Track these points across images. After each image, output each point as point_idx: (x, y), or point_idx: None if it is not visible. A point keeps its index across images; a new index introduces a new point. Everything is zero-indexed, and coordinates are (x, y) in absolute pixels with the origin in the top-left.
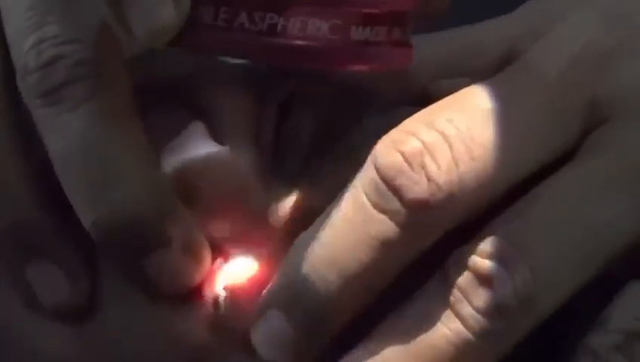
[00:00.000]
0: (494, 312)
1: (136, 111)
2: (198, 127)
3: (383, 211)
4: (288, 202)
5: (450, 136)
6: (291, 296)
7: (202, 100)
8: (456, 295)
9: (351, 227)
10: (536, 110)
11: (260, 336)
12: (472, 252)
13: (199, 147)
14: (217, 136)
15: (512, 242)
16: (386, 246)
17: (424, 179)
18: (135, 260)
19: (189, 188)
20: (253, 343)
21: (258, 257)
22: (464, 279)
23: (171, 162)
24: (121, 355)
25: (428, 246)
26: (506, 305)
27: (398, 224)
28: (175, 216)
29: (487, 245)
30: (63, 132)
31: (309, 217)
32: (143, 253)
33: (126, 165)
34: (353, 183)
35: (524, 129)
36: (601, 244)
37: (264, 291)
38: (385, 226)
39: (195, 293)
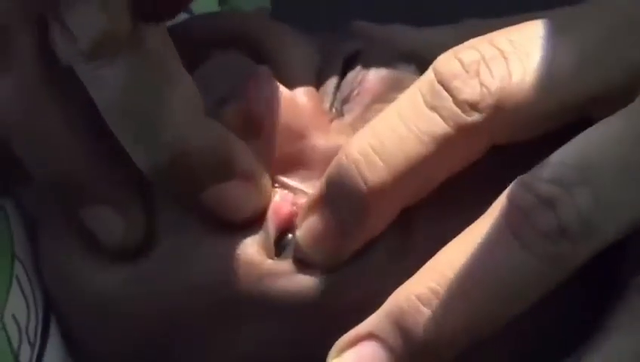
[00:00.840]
0: (557, 235)
1: (177, 56)
2: (263, 69)
3: (434, 108)
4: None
5: (507, 52)
6: (338, 183)
7: (270, 50)
8: (519, 218)
9: (402, 121)
10: (597, 39)
11: (303, 231)
12: (534, 177)
13: (264, 86)
14: (282, 82)
15: (573, 166)
16: (434, 142)
17: (477, 84)
18: (195, 196)
19: (253, 126)
20: (296, 240)
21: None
22: (527, 202)
23: (237, 96)
24: (170, 292)
25: (475, 154)
26: (569, 228)
27: (447, 121)
28: (233, 147)
29: (549, 169)
30: (106, 84)
31: None
32: (202, 187)
33: (173, 105)
34: (411, 86)
35: (580, 54)
36: None
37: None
38: (435, 122)
39: (251, 225)
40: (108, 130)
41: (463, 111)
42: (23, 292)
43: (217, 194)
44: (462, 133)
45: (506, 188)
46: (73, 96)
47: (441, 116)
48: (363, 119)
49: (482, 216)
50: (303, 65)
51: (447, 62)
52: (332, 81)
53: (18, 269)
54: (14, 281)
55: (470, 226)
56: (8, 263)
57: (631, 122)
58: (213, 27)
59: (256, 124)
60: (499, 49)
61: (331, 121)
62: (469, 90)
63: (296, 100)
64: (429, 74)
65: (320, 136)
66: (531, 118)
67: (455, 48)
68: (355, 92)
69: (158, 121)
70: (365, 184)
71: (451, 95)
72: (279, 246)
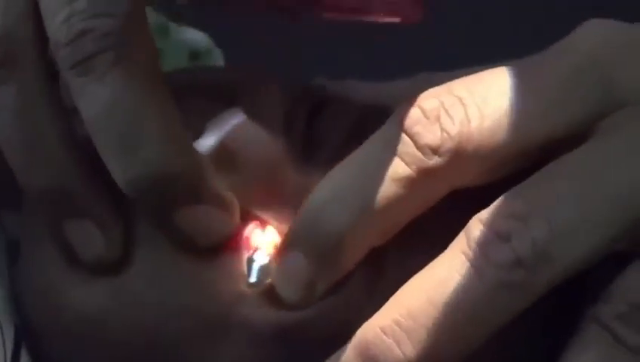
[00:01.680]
0: (514, 266)
1: (163, 80)
2: (236, 110)
3: (397, 154)
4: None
5: (465, 98)
6: (308, 230)
7: (241, 95)
8: (477, 252)
9: (368, 165)
10: (554, 83)
11: (280, 274)
12: (491, 212)
13: (237, 124)
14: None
15: (530, 201)
16: (398, 185)
17: (438, 129)
18: (167, 214)
19: (226, 159)
20: (274, 283)
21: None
22: (484, 236)
23: (212, 133)
24: (146, 308)
25: (437, 195)
26: (525, 258)
27: (410, 165)
28: (206, 173)
29: (506, 205)
30: (93, 99)
31: None
32: (174, 206)
33: (153, 125)
34: (375, 133)
35: (539, 99)
36: (622, 208)
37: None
38: (398, 167)
39: (224, 250)
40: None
41: (425, 156)
42: None
43: (188, 215)
44: (424, 176)
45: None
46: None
47: (404, 161)
48: (331, 161)
49: (444, 252)
50: (273, 110)
51: (408, 109)
52: (300, 125)
53: None
54: None
55: (433, 261)
56: None
57: (586, 158)
58: (190, 79)
59: (231, 158)
60: (457, 96)
61: (301, 160)
62: (430, 136)
63: (269, 138)
64: (392, 121)
65: (292, 173)
66: (492, 161)
67: (416, 98)
68: (324, 136)
69: (138, 139)
70: (334, 226)
71: (413, 140)
72: (250, 268)
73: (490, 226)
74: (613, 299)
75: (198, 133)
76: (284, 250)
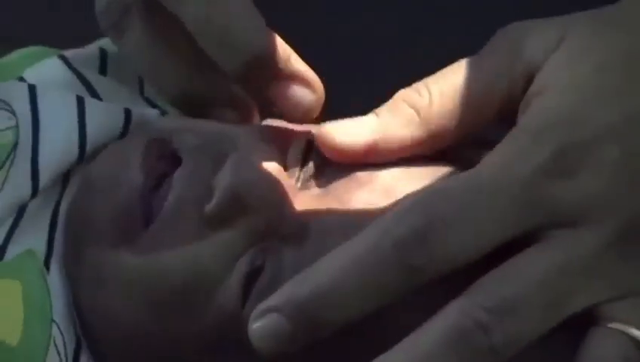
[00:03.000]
0: (487, 351)
1: None
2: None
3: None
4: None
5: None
6: (298, 308)
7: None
8: (457, 337)
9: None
10: (505, 203)
11: (256, 329)
12: (472, 302)
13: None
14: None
15: (505, 297)
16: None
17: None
18: (264, 90)
19: (240, 203)
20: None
21: None
22: (465, 325)
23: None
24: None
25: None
26: (496, 345)
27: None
28: (289, 56)
29: (484, 298)
30: (193, 11)
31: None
32: (268, 83)
33: (239, 21)
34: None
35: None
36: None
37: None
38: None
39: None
40: None
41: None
42: (56, 348)
43: (279, 90)
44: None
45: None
46: None
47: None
48: (326, 193)
49: (422, 329)
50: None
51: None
52: (296, 162)
53: (54, 331)
54: (51, 342)
55: (411, 335)
56: (47, 328)
57: (555, 254)
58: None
59: (243, 200)
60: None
61: (299, 191)
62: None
63: (272, 177)
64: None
65: (292, 208)
66: (456, 265)
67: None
68: (316, 171)
69: (233, 31)
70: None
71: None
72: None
73: (472, 317)
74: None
75: (209, 181)
76: (266, 310)
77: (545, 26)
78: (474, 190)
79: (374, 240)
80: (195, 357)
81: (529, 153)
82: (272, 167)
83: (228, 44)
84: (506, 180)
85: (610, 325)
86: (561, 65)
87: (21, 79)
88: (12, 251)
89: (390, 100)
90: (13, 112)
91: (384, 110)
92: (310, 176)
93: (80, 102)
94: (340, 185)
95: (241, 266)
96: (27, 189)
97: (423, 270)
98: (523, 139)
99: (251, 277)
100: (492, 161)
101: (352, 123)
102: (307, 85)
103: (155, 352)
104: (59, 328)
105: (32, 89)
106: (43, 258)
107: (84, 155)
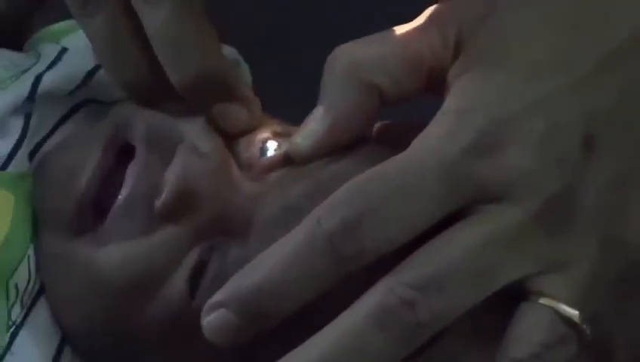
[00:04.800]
0: (413, 326)
1: (203, 10)
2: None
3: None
4: None
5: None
6: (237, 297)
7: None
8: (383, 314)
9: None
10: (433, 184)
11: (208, 325)
12: (398, 281)
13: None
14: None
15: (429, 274)
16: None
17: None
18: (208, 107)
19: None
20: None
21: None
22: (391, 302)
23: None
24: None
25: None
26: (423, 321)
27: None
28: (235, 80)
29: (409, 275)
30: (153, 18)
31: None
32: (213, 101)
33: (196, 39)
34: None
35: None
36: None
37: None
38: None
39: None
40: None
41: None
42: (29, 267)
43: (222, 109)
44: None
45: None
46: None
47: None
48: (272, 185)
49: (351, 307)
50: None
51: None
52: (245, 153)
53: (30, 251)
54: (25, 260)
55: (341, 314)
56: (26, 246)
57: (480, 228)
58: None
59: (190, 197)
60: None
61: (245, 185)
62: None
63: (219, 171)
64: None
65: (239, 202)
66: (390, 246)
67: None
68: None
69: (186, 49)
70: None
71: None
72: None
73: (398, 294)
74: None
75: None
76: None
77: None
78: (402, 175)
79: (308, 233)
80: (151, 347)
81: (455, 134)
82: (219, 160)
83: (179, 57)
84: (434, 162)
85: (539, 300)
86: (489, 37)
87: (64, 49)
88: (14, 164)
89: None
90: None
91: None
92: (258, 168)
93: None
94: (285, 178)
95: (188, 261)
96: (24, 92)
97: (355, 258)
98: (449, 120)
99: (197, 272)
100: (419, 145)
101: (307, 125)
102: (245, 105)
103: (112, 343)
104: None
105: (63, 49)
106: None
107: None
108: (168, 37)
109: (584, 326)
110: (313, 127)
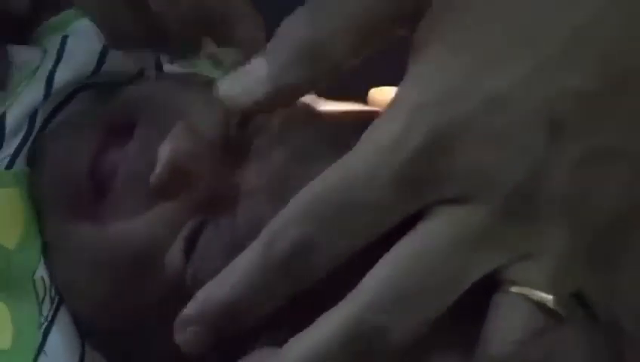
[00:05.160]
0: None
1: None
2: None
3: None
4: None
5: None
6: (203, 315)
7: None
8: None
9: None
10: (383, 193)
11: (180, 341)
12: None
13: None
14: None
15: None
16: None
17: None
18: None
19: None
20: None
21: None
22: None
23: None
24: None
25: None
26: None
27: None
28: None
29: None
30: None
31: None
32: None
33: None
34: None
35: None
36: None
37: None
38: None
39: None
40: None
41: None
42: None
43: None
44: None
45: None
46: None
47: None
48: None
49: (317, 328)
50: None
51: None
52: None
53: None
54: (42, 256)
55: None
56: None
57: (440, 233)
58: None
59: (182, 172)
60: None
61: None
62: None
63: (212, 147)
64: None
65: (230, 176)
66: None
67: None
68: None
69: None
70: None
71: None
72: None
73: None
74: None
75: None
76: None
77: None
78: (349, 189)
79: (261, 256)
80: (154, 316)
81: (407, 134)
82: (214, 138)
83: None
84: (384, 168)
85: (512, 289)
86: (450, 16)
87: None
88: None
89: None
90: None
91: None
92: (249, 141)
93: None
94: (274, 153)
95: (183, 233)
96: (40, 94)
97: (309, 276)
98: (402, 116)
99: (191, 242)
100: (366, 149)
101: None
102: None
103: (118, 314)
104: None
105: (64, 38)
106: None
107: (100, 71)
108: None
109: (559, 309)
110: (253, 87)
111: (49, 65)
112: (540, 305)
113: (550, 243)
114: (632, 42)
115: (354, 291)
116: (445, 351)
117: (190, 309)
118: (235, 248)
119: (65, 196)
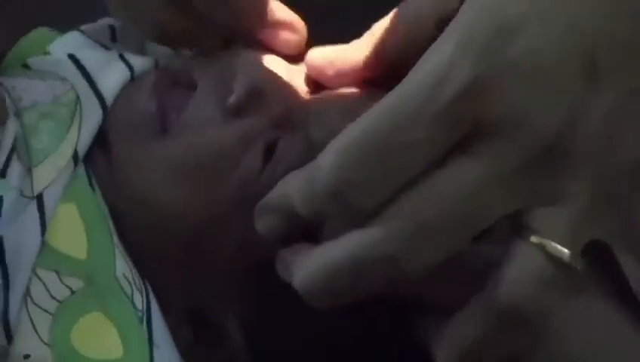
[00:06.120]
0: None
1: None
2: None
3: None
4: None
5: None
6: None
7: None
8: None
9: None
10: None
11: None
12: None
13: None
14: None
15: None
16: None
17: None
18: (253, 33)
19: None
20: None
21: None
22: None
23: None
24: None
25: None
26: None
27: None
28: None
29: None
30: None
31: None
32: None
33: None
34: None
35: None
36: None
37: None
38: None
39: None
40: None
41: None
42: (124, 258)
43: (267, 35)
44: None
45: None
46: None
47: None
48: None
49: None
50: None
51: None
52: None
53: (116, 239)
54: (115, 249)
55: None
56: (109, 237)
57: (473, 170)
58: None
59: (258, 93)
60: None
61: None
62: None
63: (280, 76)
64: None
65: (298, 99)
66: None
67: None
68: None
69: None
70: None
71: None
72: None
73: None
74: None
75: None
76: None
77: None
78: (398, 120)
79: (330, 174)
80: (225, 215)
81: (449, 74)
82: (278, 70)
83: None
84: (429, 103)
85: (532, 239)
86: None
87: (46, 53)
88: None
89: None
90: (64, 78)
91: None
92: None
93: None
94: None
95: (260, 142)
96: (99, 114)
97: (364, 206)
98: (446, 55)
99: (268, 149)
100: (414, 83)
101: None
102: (291, 29)
103: (190, 221)
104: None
105: (71, 56)
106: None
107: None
108: None
109: (576, 263)
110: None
111: (87, 91)
112: (555, 259)
113: (574, 191)
114: None
115: (380, 215)
116: (455, 286)
117: (268, 198)
118: (310, 155)
119: (134, 121)
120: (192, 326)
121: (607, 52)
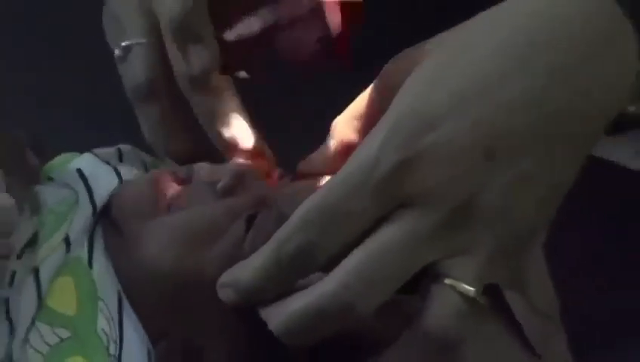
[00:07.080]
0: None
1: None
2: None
3: None
4: None
5: None
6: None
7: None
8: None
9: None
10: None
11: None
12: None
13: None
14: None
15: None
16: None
17: None
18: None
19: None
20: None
21: None
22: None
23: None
24: None
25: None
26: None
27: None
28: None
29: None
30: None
31: None
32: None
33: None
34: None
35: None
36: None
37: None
38: None
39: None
40: None
41: None
42: (104, 314)
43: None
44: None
45: None
46: None
47: None
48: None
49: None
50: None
51: None
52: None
53: (101, 304)
54: (99, 313)
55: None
56: (95, 303)
57: (401, 230)
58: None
59: (242, 180)
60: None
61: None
62: None
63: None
64: None
65: (274, 186)
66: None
67: None
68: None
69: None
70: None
71: None
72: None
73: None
74: None
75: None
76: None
77: (414, 50)
78: (340, 197)
79: (275, 253)
80: (215, 275)
81: (379, 162)
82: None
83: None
84: (363, 184)
85: (446, 281)
86: (415, 81)
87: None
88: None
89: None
90: (70, 186)
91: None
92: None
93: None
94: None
95: (243, 215)
96: (89, 209)
97: (311, 268)
98: (374, 147)
99: (249, 221)
100: (352, 169)
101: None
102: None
103: (184, 280)
104: (104, 301)
105: (79, 170)
106: (87, 259)
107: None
108: (217, 121)
109: (480, 299)
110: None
111: (85, 194)
112: (465, 296)
113: (479, 246)
114: (554, 89)
115: (334, 271)
116: (394, 319)
117: (224, 277)
118: (277, 227)
119: (143, 206)
120: (180, 357)
121: (503, 141)
